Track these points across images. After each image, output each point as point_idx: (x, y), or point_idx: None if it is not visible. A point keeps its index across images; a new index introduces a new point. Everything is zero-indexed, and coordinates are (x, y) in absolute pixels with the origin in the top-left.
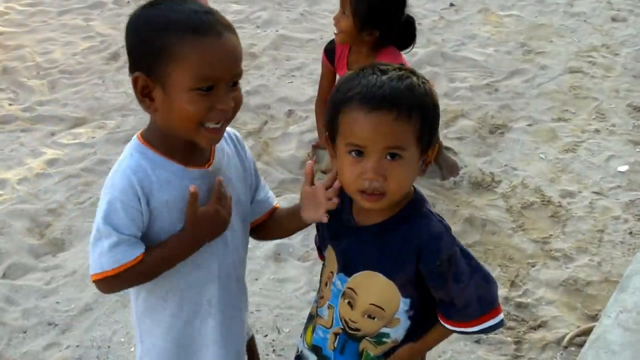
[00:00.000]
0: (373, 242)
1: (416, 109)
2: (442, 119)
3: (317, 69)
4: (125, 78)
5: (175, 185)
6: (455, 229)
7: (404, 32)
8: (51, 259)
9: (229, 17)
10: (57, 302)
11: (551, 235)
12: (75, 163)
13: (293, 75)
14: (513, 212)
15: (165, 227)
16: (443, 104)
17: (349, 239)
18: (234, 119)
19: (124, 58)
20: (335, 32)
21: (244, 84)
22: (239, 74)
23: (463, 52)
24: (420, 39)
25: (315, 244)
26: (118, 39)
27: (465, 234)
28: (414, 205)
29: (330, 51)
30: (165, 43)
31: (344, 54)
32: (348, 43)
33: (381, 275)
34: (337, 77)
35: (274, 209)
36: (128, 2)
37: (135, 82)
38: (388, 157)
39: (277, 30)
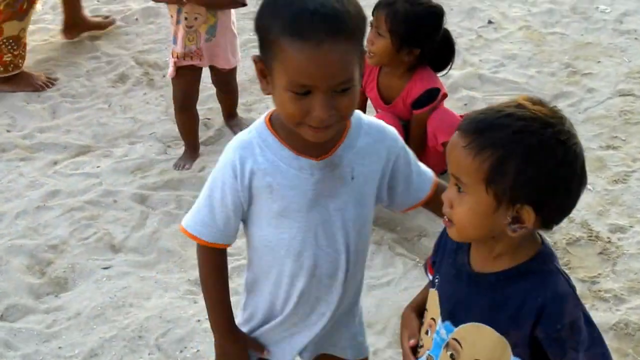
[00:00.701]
0: (490, 292)
1: (494, 148)
2: None
3: None
4: (133, 102)
5: (281, 170)
6: None
7: (441, 49)
8: (53, 299)
9: (247, 37)
10: (60, 347)
11: (600, 274)
12: (79, 195)
13: None
14: (558, 249)
15: (263, 212)
16: None
17: (462, 285)
18: (343, 121)
19: (132, 80)
20: (368, 54)
21: (264, 110)
22: (341, 83)
23: (502, 74)
24: (455, 59)
25: (428, 266)
26: (125, 59)
27: None
28: (542, 259)
29: None
30: (270, 36)
31: (374, 75)
32: (385, 65)
33: (493, 329)
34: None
35: (426, 199)
36: (136, 19)
37: (255, 63)
38: (456, 186)
39: None
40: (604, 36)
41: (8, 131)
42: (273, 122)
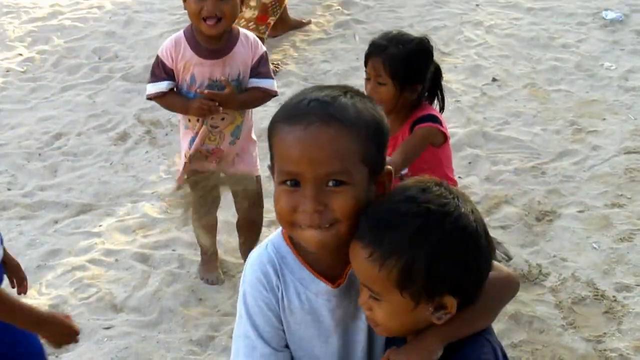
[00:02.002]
0: None
1: (398, 255)
2: (484, 206)
3: None
4: (135, 160)
5: (299, 292)
6: (499, 327)
7: (433, 80)
8: None
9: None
10: None
11: (605, 333)
12: (80, 254)
13: None
14: (563, 308)
15: (293, 340)
16: (485, 189)
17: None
18: (339, 228)
19: (134, 138)
20: None
21: (267, 169)
22: (330, 174)
23: (507, 132)
24: (459, 117)
25: None
26: (127, 117)
27: (510, 333)
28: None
29: None
30: (272, 130)
31: None
32: (389, 112)
33: None
34: None
35: None
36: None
37: (271, 172)
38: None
39: None
40: (610, 93)
41: (8, 189)
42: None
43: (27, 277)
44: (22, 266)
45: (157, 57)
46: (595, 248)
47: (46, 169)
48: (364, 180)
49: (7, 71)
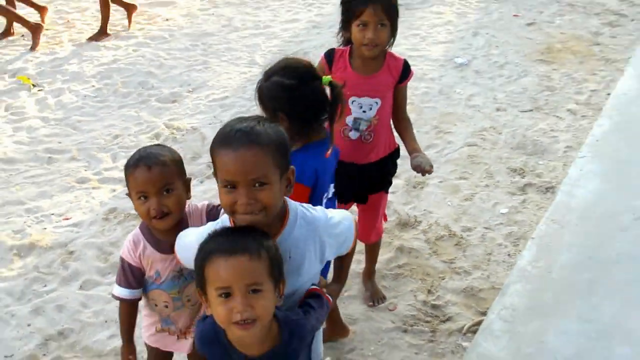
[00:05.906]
0: None
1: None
2: None
3: None
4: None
5: None
6: (389, 255)
7: None
8: (113, 277)
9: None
10: (117, 306)
11: (455, 257)
12: (129, 210)
13: None
14: (430, 242)
15: None
16: None
17: None
18: (267, 212)
19: (163, 137)
20: (371, 46)
21: None
22: (256, 179)
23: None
24: None
25: None
26: (159, 124)
27: (396, 259)
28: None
29: (329, 54)
30: (213, 151)
31: (345, 56)
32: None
33: None
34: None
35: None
36: (174, 101)
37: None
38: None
39: None
40: (459, 108)
41: (85, 170)
42: None
43: (96, 224)
44: (93, 218)
45: (122, 259)
46: (449, 205)
47: (108, 157)
48: (278, 179)
49: (85, 97)
